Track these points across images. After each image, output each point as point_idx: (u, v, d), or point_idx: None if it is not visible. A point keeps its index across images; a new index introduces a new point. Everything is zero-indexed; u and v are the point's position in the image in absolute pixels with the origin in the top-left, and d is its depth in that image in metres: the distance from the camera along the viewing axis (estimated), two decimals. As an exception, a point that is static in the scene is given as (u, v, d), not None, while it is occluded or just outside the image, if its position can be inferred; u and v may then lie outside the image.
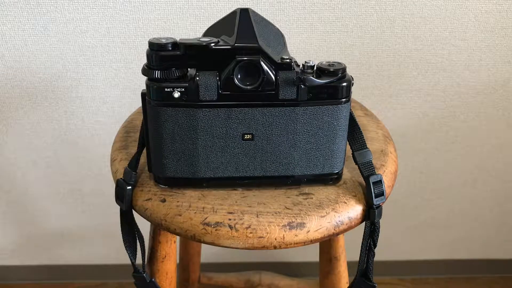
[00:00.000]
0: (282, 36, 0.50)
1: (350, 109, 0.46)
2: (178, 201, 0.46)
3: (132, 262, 0.51)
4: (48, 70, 0.82)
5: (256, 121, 0.44)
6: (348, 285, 0.64)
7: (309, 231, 0.44)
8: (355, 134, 0.48)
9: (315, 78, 0.42)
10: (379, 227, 0.47)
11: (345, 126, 0.46)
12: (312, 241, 0.44)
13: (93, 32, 0.78)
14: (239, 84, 0.42)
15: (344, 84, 0.43)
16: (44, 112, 0.86)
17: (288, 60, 0.42)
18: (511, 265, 1.14)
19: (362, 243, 0.48)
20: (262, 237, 0.43)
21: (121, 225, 0.51)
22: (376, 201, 0.46)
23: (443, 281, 1.14)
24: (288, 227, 0.43)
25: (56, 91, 0.84)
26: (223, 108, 0.43)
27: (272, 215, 0.44)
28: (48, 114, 0.87)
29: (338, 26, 0.79)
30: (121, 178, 0.48)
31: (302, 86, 0.42)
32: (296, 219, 0.44)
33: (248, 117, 0.44)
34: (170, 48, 0.41)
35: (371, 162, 0.47)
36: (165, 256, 0.56)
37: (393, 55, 0.82)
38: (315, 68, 0.43)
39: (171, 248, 0.56)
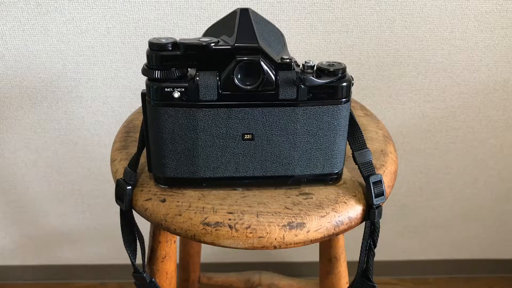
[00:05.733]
0: (282, 36, 0.50)
1: (350, 109, 0.46)
2: (178, 201, 0.46)
3: (132, 262, 0.51)
4: (48, 70, 0.82)
5: (256, 121, 0.44)
6: (348, 285, 0.64)
7: (309, 231, 0.44)
8: (355, 134, 0.48)
9: (315, 78, 0.42)
10: (379, 227, 0.47)
11: (345, 126, 0.46)
12: (312, 241, 0.44)
13: (93, 32, 0.78)
14: (239, 84, 0.42)
15: (344, 84, 0.43)
16: (44, 112, 0.86)
17: (288, 60, 0.42)
18: (511, 265, 1.14)
19: (362, 243, 0.48)
20: (262, 237, 0.43)
21: (121, 225, 0.51)
22: (376, 201, 0.46)
23: (443, 281, 1.14)
24: (288, 227, 0.43)
25: (56, 91, 0.84)
26: (223, 108, 0.43)
27: (272, 215, 0.44)
28: (48, 114, 0.87)
29: (338, 26, 0.79)
30: (121, 178, 0.48)
31: (302, 86, 0.42)
32: (296, 219, 0.44)
33: (248, 117, 0.44)
34: (170, 48, 0.41)
35: (371, 162, 0.47)
36: (165, 256, 0.56)
37: (393, 55, 0.82)
38: (315, 68, 0.43)
39: (171, 248, 0.56)
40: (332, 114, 0.44)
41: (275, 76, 0.42)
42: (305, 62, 0.42)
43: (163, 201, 0.46)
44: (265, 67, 0.41)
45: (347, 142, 0.48)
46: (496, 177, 0.99)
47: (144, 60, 0.80)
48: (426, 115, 0.90)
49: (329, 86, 0.43)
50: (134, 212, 0.49)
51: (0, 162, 0.93)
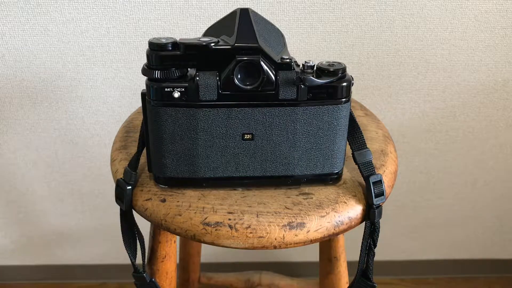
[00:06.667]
0: (282, 36, 0.50)
1: (350, 109, 0.46)
2: (178, 201, 0.46)
3: (132, 262, 0.51)
4: (48, 70, 0.82)
5: (256, 121, 0.44)
6: (348, 285, 0.64)
7: (309, 231, 0.44)
8: (355, 134, 0.48)
9: (315, 78, 0.42)
10: (379, 227, 0.47)
11: (345, 126, 0.46)
12: (312, 241, 0.44)
13: (93, 32, 0.78)
14: (239, 84, 0.42)
15: (344, 84, 0.43)
16: (44, 112, 0.86)
17: (288, 60, 0.42)
18: (511, 265, 1.14)
19: (362, 243, 0.48)
20: (262, 237, 0.43)
21: (121, 225, 0.51)
22: (376, 201, 0.46)
23: (443, 281, 1.14)
24: (288, 227, 0.43)
25: (56, 91, 0.84)
26: (223, 108, 0.43)
27: (272, 215, 0.44)
28: (48, 114, 0.87)
29: (338, 26, 0.79)
30: (121, 178, 0.48)
31: (302, 86, 0.42)
32: (296, 219, 0.44)
33: (248, 117, 0.44)
34: (170, 48, 0.41)
35: (371, 162, 0.47)
36: (165, 256, 0.56)
37: (393, 55, 0.82)
38: (315, 68, 0.43)
39: (171, 248, 0.56)
40: (332, 114, 0.44)
41: (275, 76, 0.42)
42: (305, 62, 0.42)
43: (163, 201, 0.46)
44: (265, 67, 0.41)
45: (347, 142, 0.48)
46: (496, 177, 0.99)
47: (144, 60, 0.80)
48: (426, 115, 0.90)
49: (329, 86, 0.43)
50: (134, 212, 0.49)
51: (0, 162, 0.93)
